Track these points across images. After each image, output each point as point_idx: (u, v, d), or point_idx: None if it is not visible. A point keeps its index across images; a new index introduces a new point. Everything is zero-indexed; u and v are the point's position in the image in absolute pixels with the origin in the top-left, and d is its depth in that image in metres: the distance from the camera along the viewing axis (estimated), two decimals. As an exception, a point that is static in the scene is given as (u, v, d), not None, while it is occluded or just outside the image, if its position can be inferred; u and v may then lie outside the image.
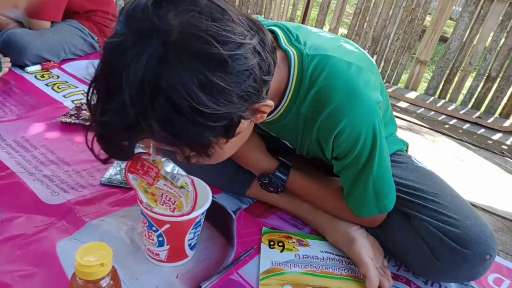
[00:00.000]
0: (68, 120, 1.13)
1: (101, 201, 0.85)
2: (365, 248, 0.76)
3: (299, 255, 0.78)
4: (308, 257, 0.78)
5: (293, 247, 0.80)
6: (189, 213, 0.62)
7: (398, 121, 1.07)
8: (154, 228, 0.66)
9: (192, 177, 0.62)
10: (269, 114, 0.68)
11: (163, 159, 0.62)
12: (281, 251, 0.79)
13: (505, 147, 1.66)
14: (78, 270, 0.52)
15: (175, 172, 0.62)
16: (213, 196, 0.91)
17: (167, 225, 0.65)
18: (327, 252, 0.80)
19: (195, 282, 0.68)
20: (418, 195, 0.75)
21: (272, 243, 0.80)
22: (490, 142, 1.70)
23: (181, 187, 0.61)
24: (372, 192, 0.72)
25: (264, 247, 0.79)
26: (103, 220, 0.79)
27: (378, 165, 0.69)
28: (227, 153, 0.66)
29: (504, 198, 1.25)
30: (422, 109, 1.97)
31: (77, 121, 1.13)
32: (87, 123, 1.10)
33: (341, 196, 0.78)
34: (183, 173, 0.62)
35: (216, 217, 0.86)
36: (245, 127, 0.61)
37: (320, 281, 0.73)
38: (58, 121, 1.13)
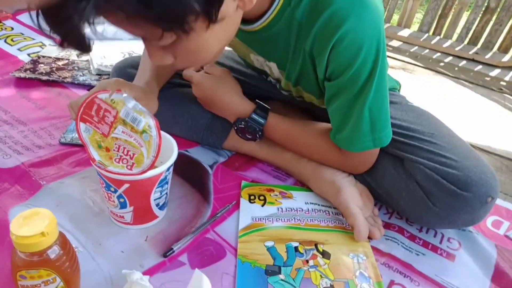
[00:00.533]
0: (23, 75, 1.01)
1: (60, 162, 0.76)
2: (353, 196, 0.70)
3: (281, 208, 0.71)
4: (292, 210, 0.71)
5: (276, 200, 0.73)
6: (150, 167, 0.54)
7: (390, 61, 0.98)
8: (112, 189, 0.58)
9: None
10: (258, 19, 0.60)
11: (123, 96, 0.52)
12: (263, 205, 0.72)
13: (504, 84, 1.57)
14: (16, 242, 0.44)
15: (138, 109, 0.52)
16: (186, 150, 0.84)
17: (126, 185, 0.57)
18: (312, 203, 0.73)
19: (167, 244, 0.62)
20: (413, 136, 0.68)
21: (252, 197, 0.73)
22: (488, 79, 1.60)
23: (143, 131, 0.52)
24: (368, 121, 0.63)
25: (243, 202, 0.72)
26: (62, 182, 0.71)
27: (376, 91, 0.60)
28: (210, 46, 0.53)
29: (503, 136, 1.18)
30: (416, 47, 1.85)
31: (33, 76, 1.01)
32: (44, 77, 1.01)
33: (326, 138, 0.70)
34: (146, 111, 0.52)
35: (190, 172, 0.78)
36: (230, 13, 0.50)
37: (304, 235, 0.67)
38: (12, 77, 1.01)
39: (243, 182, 0.77)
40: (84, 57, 1.16)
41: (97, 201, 0.68)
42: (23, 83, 1.00)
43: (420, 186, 0.65)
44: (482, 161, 0.65)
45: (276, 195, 0.74)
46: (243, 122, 0.73)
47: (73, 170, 0.74)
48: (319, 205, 0.73)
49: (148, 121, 0.52)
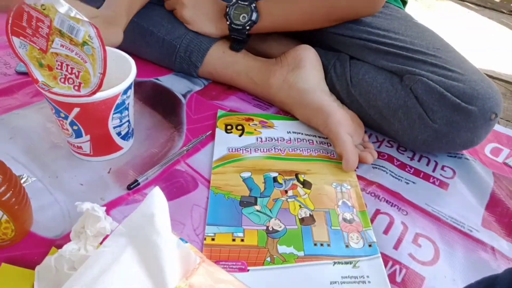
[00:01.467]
0: (-26, 0, 0.90)
1: (16, 92, 0.68)
2: (343, 122, 0.63)
3: (261, 138, 0.65)
4: (272, 140, 0.65)
5: (255, 129, 0.67)
6: (99, 86, 0.47)
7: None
8: (62, 115, 0.51)
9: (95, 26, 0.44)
10: None
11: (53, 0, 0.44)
12: (240, 135, 0.66)
13: (514, 7, 1.44)
14: None
15: (73, 15, 0.43)
16: (157, 78, 0.76)
17: (76, 109, 0.50)
18: (295, 132, 0.67)
19: (133, 177, 0.56)
20: (416, 50, 0.63)
21: (229, 127, 0.67)
22: (497, 0, 1.46)
23: (84, 42, 0.44)
24: None
25: (219, 132, 0.66)
26: (17, 113, 0.64)
27: None
28: None
29: (508, 61, 1.09)
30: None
31: (-15, 1, 0.90)
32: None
33: None
34: (84, 18, 0.44)
35: (161, 102, 0.71)
36: None
37: (284, 165, 0.61)
38: (-37, 3, 0.90)
39: (219, 111, 0.70)
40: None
41: (55, 133, 0.62)
42: (-25, 10, 0.90)
43: (419, 101, 0.60)
44: (487, 78, 0.60)
45: (256, 125, 0.68)
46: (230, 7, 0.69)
47: (31, 101, 0.67)
48: (302, 134, 0.67)
49: (88, 30, 0.43)
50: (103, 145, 0.56)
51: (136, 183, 0.55)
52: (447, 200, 0.60)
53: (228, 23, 0.70)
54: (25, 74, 0.72)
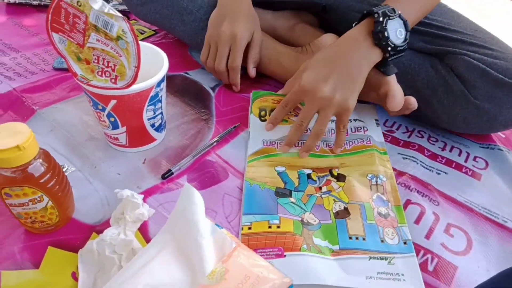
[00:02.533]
0: (12, 0, 0.94)
1: (54, 87, 0.72)
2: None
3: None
4: (306, 131, 0.62)
5: (288, 117, 0.65)
6: (134, 79, 0.49)
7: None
8: (100, 107, 0.53)
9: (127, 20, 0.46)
10: None
11: None
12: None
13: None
14: (-8, 158, 0.41)
15: (106, 10, 0.45)
16: (186, 72, 0.78)
17: (113, 101, 0.52)
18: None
19: (166, 167, 0.58)
20: (454, 30, 0.64)
21: (263, 113, 0.66)
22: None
23: (118, 37, 0.46)
24: None
25: (253, 119, 0.65)
26: (56, 107, 0.67)
27: None
28: None
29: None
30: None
31: (23, 1, 0.94)
32: (35, 2, 0.94)
33: None
34: (117, 13, 0.45)
35: (191, 95, 0.72)
36: None
37: (318, 162, 0.60)
38: (1, 3, 0.95)
39: (253, 92, 0.70)
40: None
41: (92, 126, 0.64)
42: (13, 10, 0.94)
43: (461, 79, 0.60)
44: None
45: (291, 112, 0.65)
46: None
47: (68, 95, 0.70)
48: (334, 121, 0.62)
49: (121, 25, 0.45)
50: (138, 136, 0.58)
51: (169, 173, 0.57)
52: (480, 191, 0.59)
53: (385, 47, 0.57)
54: (62, 70, 0.76)
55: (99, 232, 0.47)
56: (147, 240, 0.48)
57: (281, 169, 0.59)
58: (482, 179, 0.62)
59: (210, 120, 0.68)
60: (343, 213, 0.52)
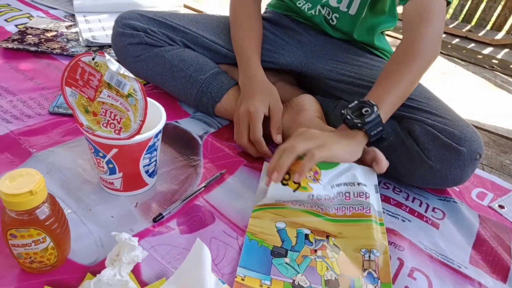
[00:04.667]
0: (10, 45, 0.99)
1: (50, 131, 0.76)
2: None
3: (312, 196, 0.63)
4: (320, 199, 0.63)
5: (307, 183, 0.63)
6: (137, 131, 0.54)
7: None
8: (101, 154, 0.58)
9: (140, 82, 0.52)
10: None
11: (106, 59, 0.52)
12: (295, 190, 0.63)
13: (496, 61, 1.58)
14: (5, 201, 0.44)
15: (122, 72, 0.52)
16: (176, 121, 0.84)
17: (115, 150, 0.57)
18: (337, 185, 0.65)
19: (157, 210, 0.63)
20: (411, 99, 0.73)
21: (287, 176, 0.63)
22: (480, 56, 1.60)
23: (129, 95, 0.52)
24: None
25: (275, 184, 0.63)
26: (52, 151, 0.71)
27: None
28: None
29: (492, 113, 1.19)
30: (411, 25, 1.84)
31: (21, 47, 1.00)
32: (33, 48, 0.99)
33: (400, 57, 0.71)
34: (130, 75, 0.52)
35: (180, 142, 0.78)
36: None
37: (319, 224, 0.62)
38: (0, 47, 1.00)
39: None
40: (73, 29, 1.14)
41: (87, 169, 0.68)
42: (11, 54, 0.99)
43: (416, 142, 0.69)
44: (471, 125, 0.71)
45: (310, 176, 0.63)
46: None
47: (63, 139, 0.74)
48: (341, 185, 0.65)
49: (133, 85, 0.52)
50: (133, 181, 0.63)
51: (160, 216, 0.61)
52: (438, 239, 0.67)
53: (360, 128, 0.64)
54: (57, 114, 0.80)
55: (94, 272, 0.50)
56: (140, 281, 0.52)
57: (282, 225, 0.62)
58: (440, 228, 0.69)
59: (198, 167, 0.73)
60: (334, 284, 0.54)
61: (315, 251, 0.58)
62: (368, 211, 0.63)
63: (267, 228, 0.61)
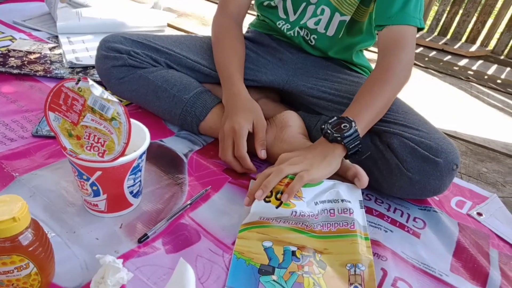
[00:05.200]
0: (-8, 68, 0.99)
1: (33, 154, 0.76)
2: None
3: (295, 212, 0.65)
4: (304, 215, 0.65)
5: (290, 201, 0.66)
6: (121, 154, 0.55)
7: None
8: (84, 177, 0.59)
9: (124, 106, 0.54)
10: None
11: (90, 84, 0.53)
12: (277, 207, 0.65)
13: (471, 73, 1.64)
14: (-13, 228, 0.44)
15: (105, 97, 0.53)
16: (161, 140, 0.85)
17: (98, 172, 0.57)
18: (321, 202, 0.68)
19: (142, 231, 0.63)
20: (388, 113, 0.76)
21: (269, 193, 0.66)
22: (456, 68, 1.66)
23: (112, 118, 0.53)
24: (416, 0, 0.75)
25: (257, 201, 0.66)
26: (35, 174, 0.71)
27: None
28: None
29: (469, 122, 1.23)
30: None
31: (3, 69, 1.00)
32: (15, 71, 1.00)
33: (376, 79, 0.75)
34: (114, 99, 0.53)
35: (165, 161, 0.79)
36: None
37: (305, 240, 0.63)
38: (-19, 71, 1.00)
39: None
40: (57, 51, 1.15)
41: (71, 192, 0.68)
42: (-8, 77, 0.99)
43: (395, 154, 0.71)
44: (447, 136, 0.74)
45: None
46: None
47: (46, 162, 0.74)
48: (325, 202, 0.68)
49: (116, 108, 0.53)
50: (117, 202, 0.63)
51: (145, 237, 0.61)
52: (420, 248, 0.69)
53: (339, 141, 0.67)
54: (40, 137, 0.80)
55: (79, 296, 0.50)
56: (125, 302, 0.52)
57: (268, 244, 0.62)
58: (421, 237, 0.71)
59: (183, 185, 0.74)
60: None
61: (302, 266, 0.59)
62: (352, 226, 0.64)
63: (254, 247, 0.62)
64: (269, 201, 0.65)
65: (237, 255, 0.61)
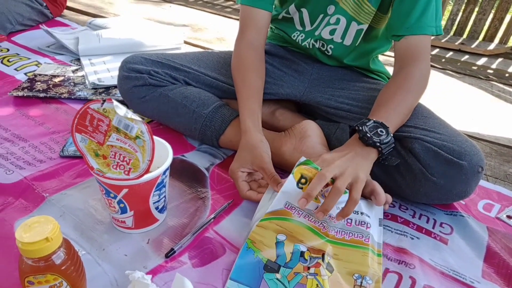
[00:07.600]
0: (20, 93, 1.04)
1: (62, 174, 0.78)
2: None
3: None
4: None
5: (318, 196, 0.65)
6: (146, 171, 0.57)
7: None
8: (112, 195, 0.60)
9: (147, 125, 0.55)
10: None
11: (114, 105, 0.55)
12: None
13: (491, 71, 1.60)
14: (22, 249, 0.46)
15: (129, 116, 0.55)
16: (183, 155, 0.87)
17: (125, 190, 0.59)
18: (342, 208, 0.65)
19: (168, 245, 0.64)
20: (409, 119, 0.75)
21: (303, 180, 0.65)
22: (475, 68, 1.63)
23: (136, 137, 0.55)
24: (433, 9, 0.75)
25: (291, 181, 0.65)
26: (65, 194, 0.73)
27: None
28: None
29: (492, 123, 1.20)
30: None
31: (30, 94, 1.04)
32: (42, 94, 1.04)
33: (400, 87, 0.75)
34: (137, 118, 0.55)
35: (187, 176, 0.80)
36: None
37: (317, 242, 0.62)
38: (10, 96, 1.04)
39: (302, 158, 0.68)
40: (80, 73, 1.19)
41: (99, 210, 0.70)
42: (21, 102, 1.03)
43: (418, 159, 0.70)
44: (469, 138, 0.72)
45: (326, 190, 0.65)
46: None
47: (74, 182, 0.77)
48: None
49: (140, 127, 0.54)
50: (144, 218, 0.65)
51: (172, 252, 0.62)
52: (448, 254, 0.67)
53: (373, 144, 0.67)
54: (68, 157, 0.83)
55: (111, 312, 0.51)
56: (156, 317, 0.53)
57: (282, 237, 0.62)
58: (449, 243, 0.70)
59: (206, 198, 0.75)
60: None
61: (308, 268, 0.59)
62: (367, 239, 0.63)
63: (268, 238, 0.62)
64: (302, 188, 0.65)
65: (248, 244, 0.61)
